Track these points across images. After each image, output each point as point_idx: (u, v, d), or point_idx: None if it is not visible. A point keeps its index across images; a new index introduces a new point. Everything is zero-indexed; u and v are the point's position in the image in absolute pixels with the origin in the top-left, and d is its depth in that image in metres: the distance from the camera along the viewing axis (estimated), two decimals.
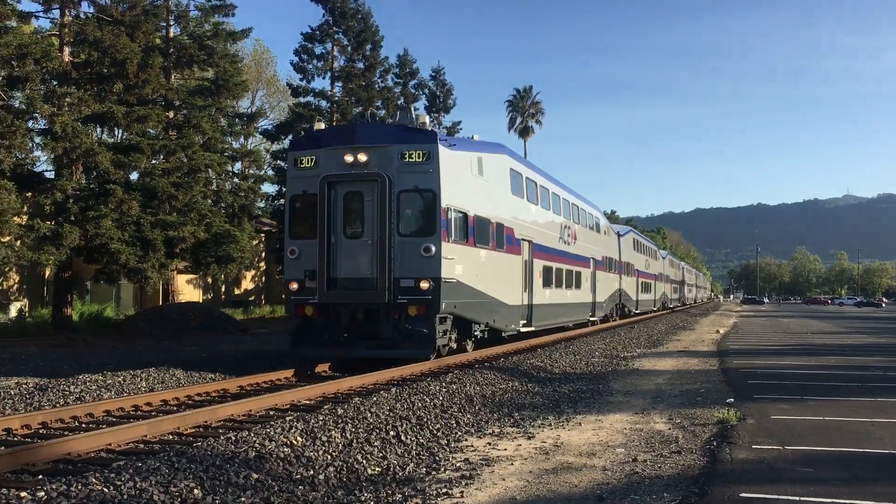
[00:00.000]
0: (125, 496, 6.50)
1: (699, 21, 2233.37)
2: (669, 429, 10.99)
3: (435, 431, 10.26)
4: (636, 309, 49.68)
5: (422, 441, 9.65)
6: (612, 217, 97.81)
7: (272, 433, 8.93)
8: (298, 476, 7.63)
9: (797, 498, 7.16)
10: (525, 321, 24.03)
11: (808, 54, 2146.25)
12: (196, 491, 6.81)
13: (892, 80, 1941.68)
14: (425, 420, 10.80)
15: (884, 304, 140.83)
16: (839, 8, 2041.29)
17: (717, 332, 37.19)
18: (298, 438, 8.87)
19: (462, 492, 7.46)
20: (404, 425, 10.28)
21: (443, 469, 8.40)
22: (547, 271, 26.66)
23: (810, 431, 10.64)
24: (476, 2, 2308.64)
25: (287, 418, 10.05)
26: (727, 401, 13.39)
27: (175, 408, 11.77)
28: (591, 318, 34.90)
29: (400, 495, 7.31)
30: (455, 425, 10.82)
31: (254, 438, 8.64)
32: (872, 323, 53.54)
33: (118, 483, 6.73)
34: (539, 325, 25.57)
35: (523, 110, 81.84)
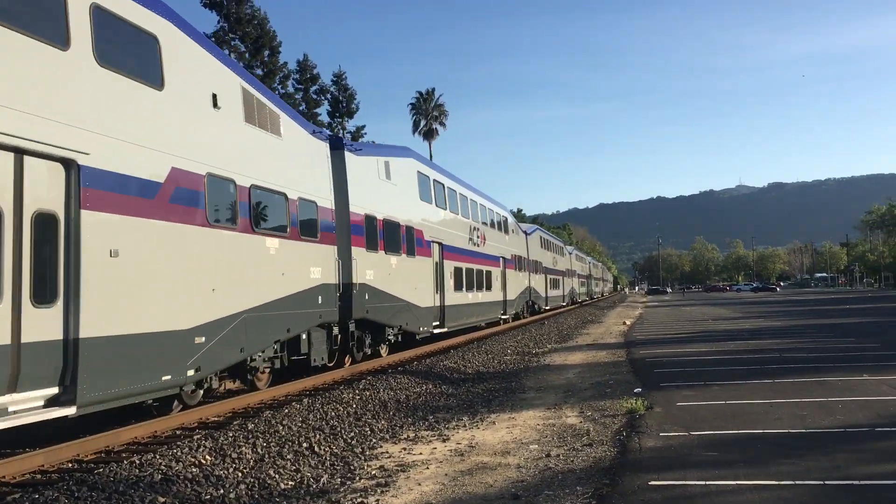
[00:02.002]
0: None
1: (598, 21, 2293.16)
2: (581, 422, 11.18)
3: (349, 440, 10.14)
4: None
5: (336, 451, 9.52)
6: (518, 215, 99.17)
7: (179, 454, 8.65)
8: (208, 496, 7.40)
9: (703, 482, 7.39)
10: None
11: (706, 52, 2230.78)
12: None
13: (778, 74, 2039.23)
14: (339, 429, 10.67)
15: (778, 289, 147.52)
16: (730, 6, 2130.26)
17: (624, 323, 38.18)
18: (207, 457, 8.62)
19: (378, 500, 7.39)
20: (317, 436, 10.12)
21: (358, 478, 8.30)
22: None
23: (714, 416, 11.01)
24: (376, 5, 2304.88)
25: (195, 437, 9.75)
26: (635, 391, 13.73)
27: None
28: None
29: None
30: (369, 433, 10.72)
31: (160, 460, 8.34)
32: (768, 307, 56.01)
33: None
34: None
35: (427, 113, 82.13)
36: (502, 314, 35.98)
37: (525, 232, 45.79)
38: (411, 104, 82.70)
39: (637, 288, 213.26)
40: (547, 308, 51.91)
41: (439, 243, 25.31)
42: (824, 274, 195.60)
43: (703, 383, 14.36)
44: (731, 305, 62.17)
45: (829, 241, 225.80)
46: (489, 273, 32.74)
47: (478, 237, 31.40)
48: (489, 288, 32.65)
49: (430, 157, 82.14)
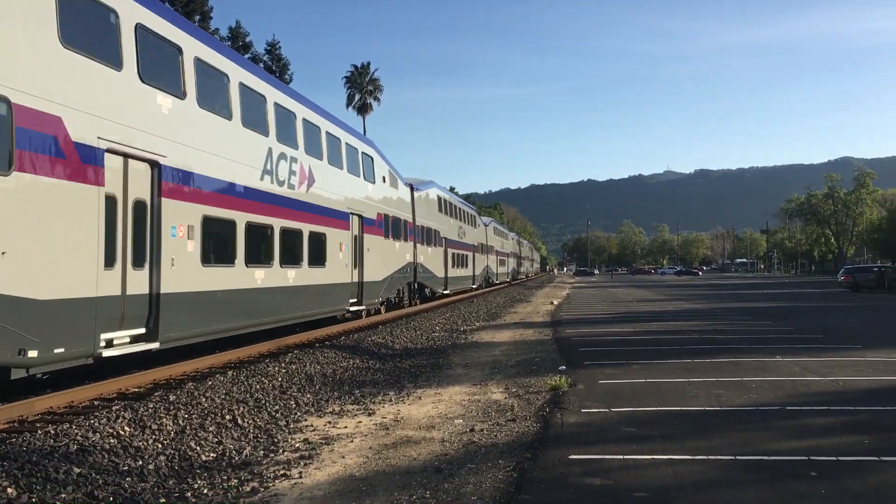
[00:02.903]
0: None
1: (537, 3, 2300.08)
2: (506, 398, 11.34)
3: (273, 413, 10.06)
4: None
5: (259, 424, 9.44)
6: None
7: (97, 424, 8.45)
8: (126, 468, 7.25)
9: (621, 456, 7.60)
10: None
11: (638, 37, 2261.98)
12: (10, 490, 6.32)
13: (706, 62, 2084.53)
14: (263, 402, 10.57)
15: (701, 273, 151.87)
16: None
17: (552, 303, 38.78)
18: (126, 428, 8.44)
19: (301, 472, 7.37)
20: (241, 409, 10.02)
21: (281, 451, 8.25)
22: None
23: (634, 393, 11.31)
24: None
25: (114, 408, 9.52)
26: (559, 368, 13.99)
27: None
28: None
29: (236, 480, 7.12)
30: (294, 406, 10.66)
31: (76, 431, 8.13)
32: (690, 290, 57.65)
33: None
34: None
35: (362, 87, 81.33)
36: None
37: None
38: (346, 77, 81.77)
39: (566, 269, 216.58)
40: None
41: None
42: (744, 259, 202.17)
43: (626, 362, 14.72)
44: (655, 288, 63.74)
45: (750, 227, 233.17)
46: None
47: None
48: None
49: (364, 131, 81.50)
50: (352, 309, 22.15)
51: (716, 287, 65.47)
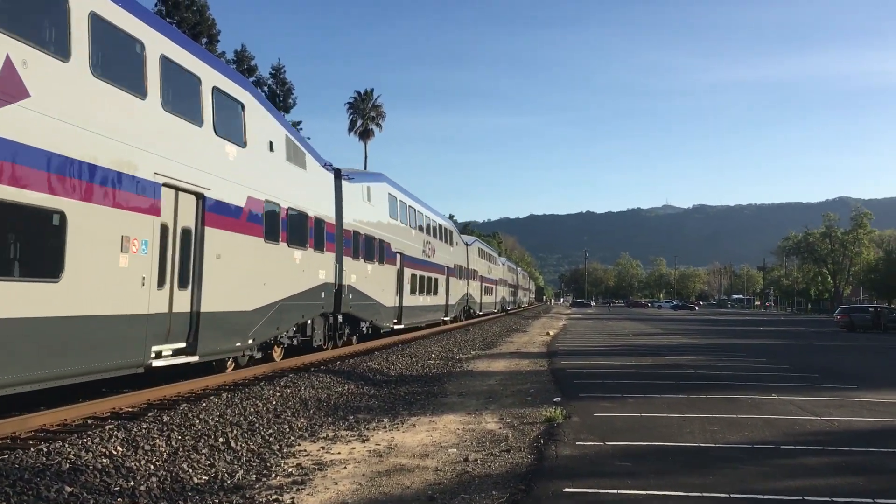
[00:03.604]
0: None
1: (535, 35, 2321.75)
2: (500, 428, 11.30)
3: (267, 437, 10.02)
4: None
5: (253, 447, 9.40)
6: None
7: (89, 443, 8.41)
8: (118, 488, 7.22)
9: (615, 491, 7.57)
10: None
11: (640, 71, 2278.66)
12: None
13: (707, 98, 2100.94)
14: (257, 425, 10.54)
15: (697, 308, 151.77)
16: (665, 29, 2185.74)
17: (548, 333, 38.71)
18: (119, 448, 8.40)
19: (293, 498, 7.33)
20: (235, 431, 9.98)
21: (274, 475, 8.21)
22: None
23: (629, 427, 11.28)
24: (318, 1, 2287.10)
25: (107, 427, 9.49)
26: (555, 400, 13.96)
27: None
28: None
29: (227, 503, 7.09)
30: (288, 430, 10.62)
31: (69, 449, 8.10)
32: (687, 325, 57.60)
33: None
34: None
35: (364, 113, 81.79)
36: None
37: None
38: (349, 103, 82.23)
39: (562, 300, 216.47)
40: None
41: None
42: (741, 296, 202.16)
43: (621, 395, 14.69)
44: (651, 321, 63.68)
45: (747, 264, 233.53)
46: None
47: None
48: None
49: (365, 157, 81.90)
50: (161, 363, 12.55)
51: (712, 322, 65.43)
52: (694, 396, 14.68)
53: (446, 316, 39.83)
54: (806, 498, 7.41)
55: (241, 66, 52.44)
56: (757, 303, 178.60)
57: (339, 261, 21.64)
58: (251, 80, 53.66)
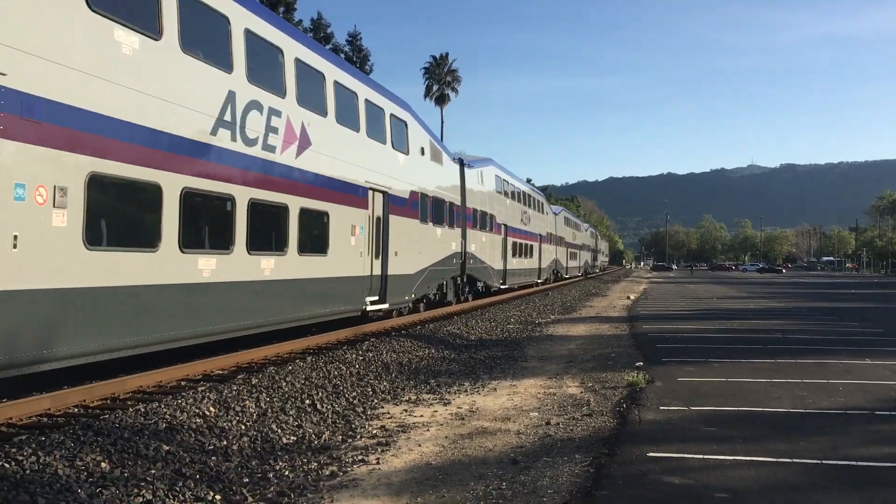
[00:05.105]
0: (27, 471, 6.25)
1: None
2: (581, 392, 11.26)
3: (351, 399, 10.24)
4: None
5: (338, 409, 9.62)
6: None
7: (184, 404, 8.75)
8: (211, 447, 7.50)
9: (701, 456, 7.46)
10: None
11: (723, 27, 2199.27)
12: (103, 464, 6.61)
13: (798, 54, 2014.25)
14: (341, 388, 10.77)
15: (784, 271, 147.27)
16: None
17: (628, 298, 38.24)
18: (211, 409, 8.72)
19: (378, 458, 7.48)
20: (320, 394, 10.22)
21: (359, 437, 8.40)
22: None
23: (714, 392, 11.07)
24: None
25: (199, 389, 9.85)
26: (636, 364, 13.80)
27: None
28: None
29: (315, 463, 7.28)
30: (371, 393, 10.82)
31: (164, 410, 8.44)
32: (773, 288, 55.99)
33: (20, 458, 6.47)
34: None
35: (440, 78, 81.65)
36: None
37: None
38: (425, 68, 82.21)
39: (642, 263, 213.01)
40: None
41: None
42: (831, 258, 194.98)
43: (705, 360, 14.42)
44: (736, 285, 62.15)
45: (837, 225, 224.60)
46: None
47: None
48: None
49: (441, 122, 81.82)
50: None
51: (800, 285, 63.42)
52: (782, 361, 14.30)
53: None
54: None
55: (318, 35, 52.89)
56: (849, 265, 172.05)
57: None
58: (328, 47, 54.09)
